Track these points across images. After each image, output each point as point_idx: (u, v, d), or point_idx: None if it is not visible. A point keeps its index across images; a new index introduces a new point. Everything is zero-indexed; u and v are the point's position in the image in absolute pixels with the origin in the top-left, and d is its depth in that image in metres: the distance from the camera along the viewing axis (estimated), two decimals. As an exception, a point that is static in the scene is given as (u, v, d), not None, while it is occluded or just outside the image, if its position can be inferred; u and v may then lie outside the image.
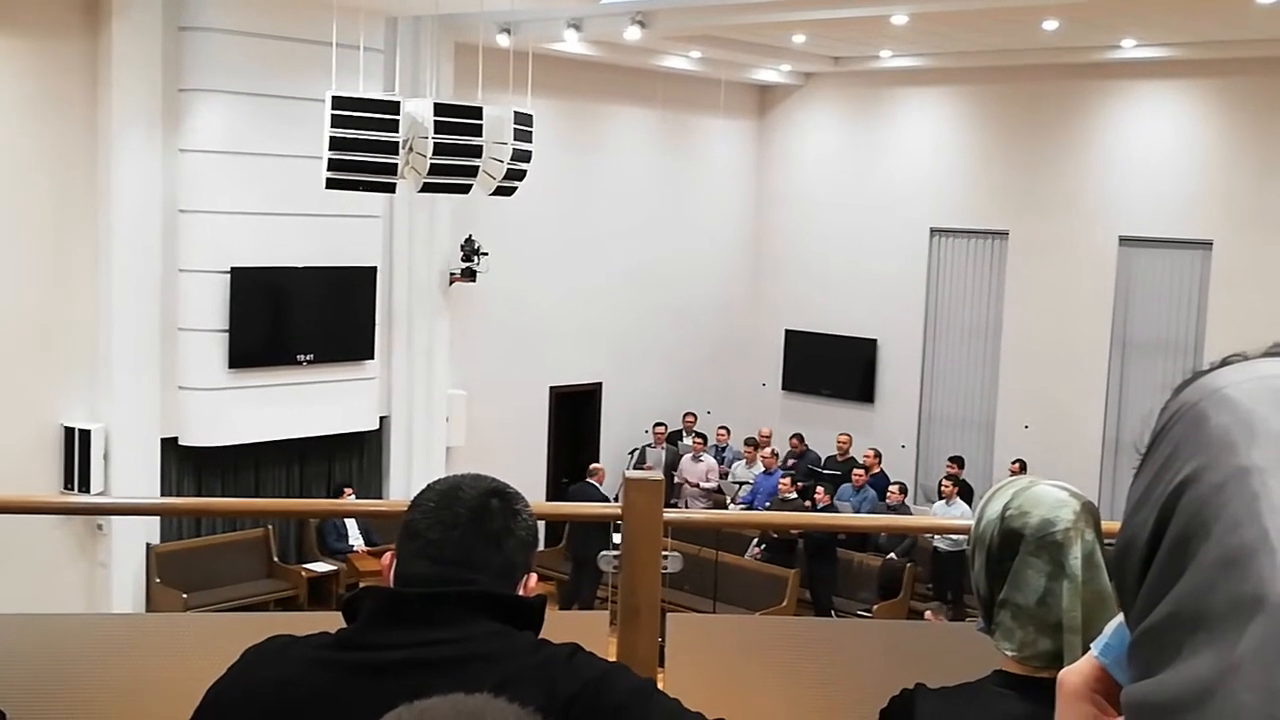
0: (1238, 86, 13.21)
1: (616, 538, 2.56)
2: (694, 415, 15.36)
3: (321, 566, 12.18)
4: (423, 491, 1.68)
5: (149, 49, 10.86)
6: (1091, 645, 0.85)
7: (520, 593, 1.66)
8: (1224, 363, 0.78)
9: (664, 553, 2.64)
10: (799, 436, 14.93)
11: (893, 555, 12.52)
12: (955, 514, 12.14)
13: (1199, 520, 0.71)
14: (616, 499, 3.17)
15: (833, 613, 12.11)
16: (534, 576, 1.70)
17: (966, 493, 13.07)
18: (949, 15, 11.09)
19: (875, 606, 12.16)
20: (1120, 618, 0.82)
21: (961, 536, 11.58)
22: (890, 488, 13.19)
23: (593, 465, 12.99)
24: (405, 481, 12.85)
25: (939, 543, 12.35)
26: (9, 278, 10.53)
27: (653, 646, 2.64)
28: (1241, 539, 0.68)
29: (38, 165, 10.62)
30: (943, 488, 13.05)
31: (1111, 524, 1.62)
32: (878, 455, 14.18)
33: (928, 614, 11.41)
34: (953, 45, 13.83)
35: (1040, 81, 14.27)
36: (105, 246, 10.87)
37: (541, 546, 2.12)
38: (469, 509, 1.63)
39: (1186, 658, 0.68)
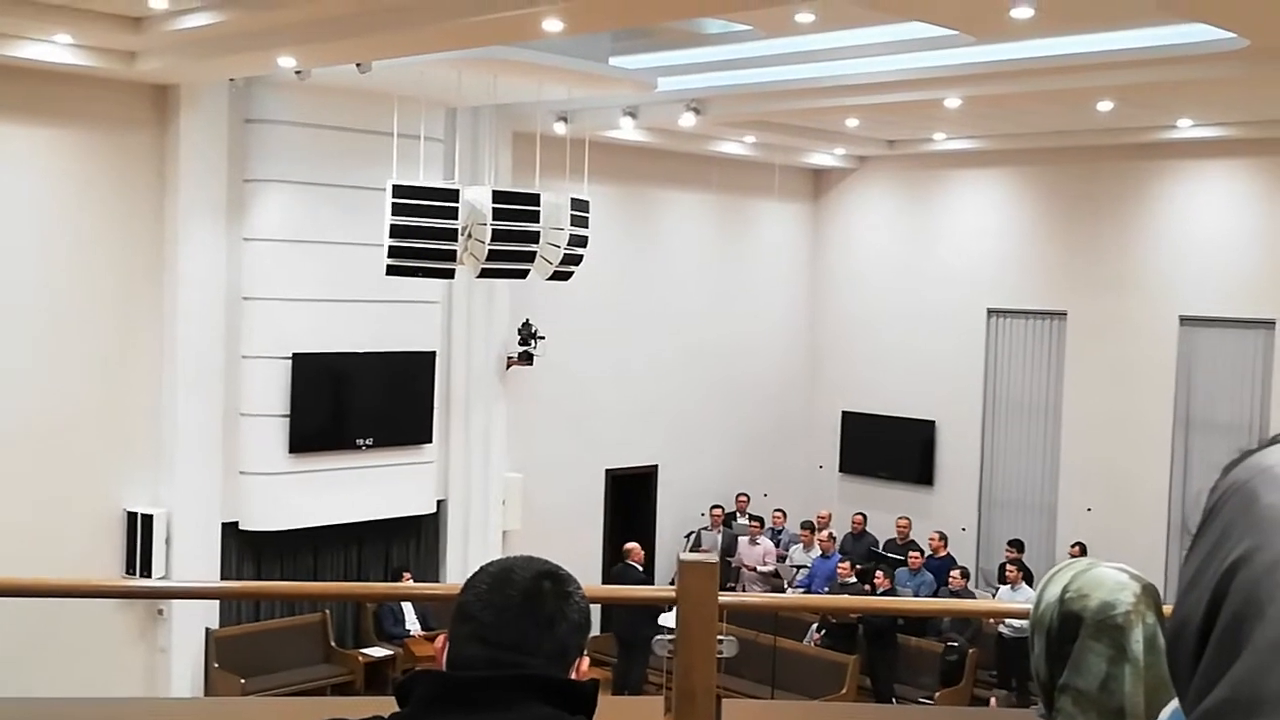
0: (1297, 165, 13.11)
1: (665, 619, 2.55)
2: (747, 496, 15.26)
3: (378, 651, 12.16)
4: (475, 574, 1.68)
5: (215, 141, 11.14)
6: (1148, 730, 0.84)
7: (573, 676, 1.65)
8: (1273, 441, 0.78)
9: (719, 637, 2.62)
10: (862, 515, 14.78)
11: (954, 643, 12.28)
12: (1020, 599, 11.92)
13: (1253, 601, 0.70)
14: (671, 582, 3.15)
15: (894, 700, 11.89)
16: (586, 660, 1.69)
17: (1028, 577, 12.84)
18: (1002, 98, 11.12)
19: (937, 694, 11.93)
20: (1175, 702, 0.81)
21: (1025, 622, 11.39)
22: (952, 573, 12.98)
23: (627, 545, 12.89)
24: (462, 565, 12.83)
25: (1003, 629, 12.11)
26: (75, 363, 10.74)
27: (708, 733, 2.60)
28: (1296, 620, 0.67)
29: (105, 253, 10.87)
30: (1007, 573, 12.83)
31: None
32: (944, 538, 13.97)
33: (992, 701, 11.18)
34: (1006, 127, 13.86)
35: (1096, 162, 14.24)
36: (170, 333, 11.07)
37: (595, 631, 2.11)
38: (521, 591, 1.63)
39: (1244, 742, 0.66)
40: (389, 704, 1.70)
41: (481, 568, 1.70)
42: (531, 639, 1.61)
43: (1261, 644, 0.68)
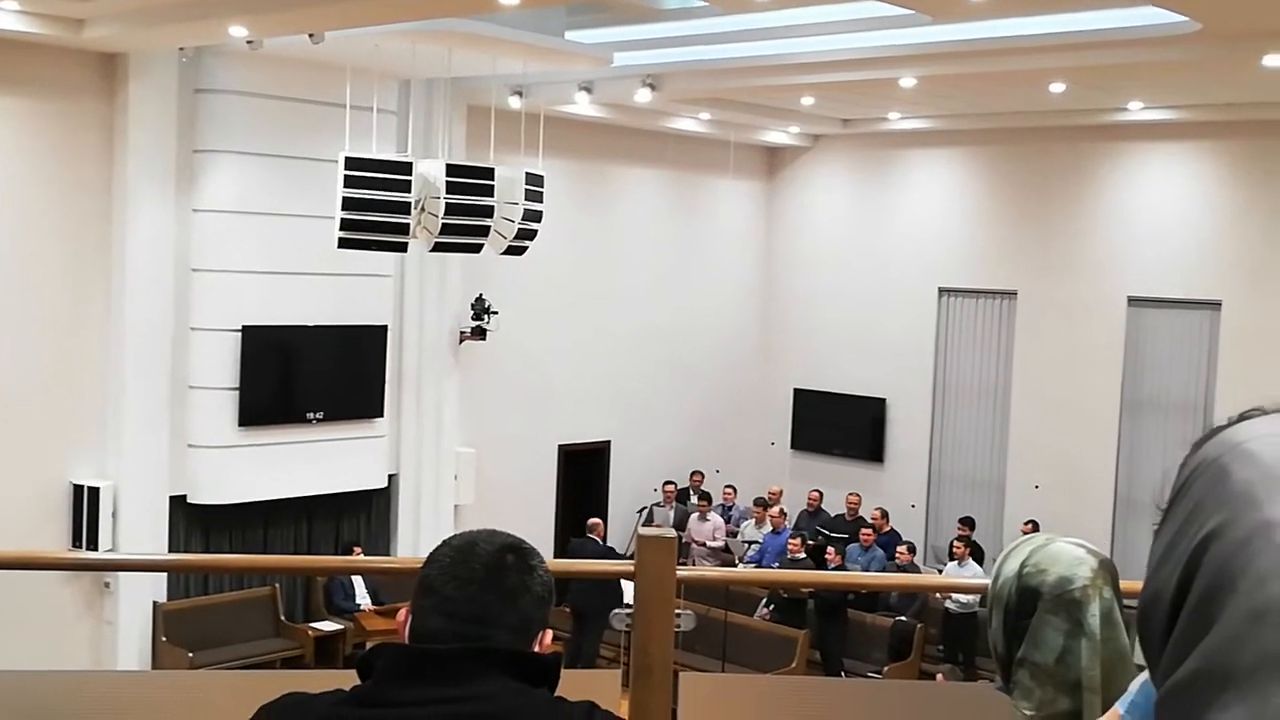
0: (1245, 148, 13.28)
1: (627, 594, 2.56)
2: (701, 474, 15.31)
3: (328, 626, 12.10)
4: (439, 547, 1.68)
5: (165, 111, 10.98)
6: (1117, 703, 0.84)
7: (535, 649, 1.65)
8: (1242, 417, 0.78)
9: (677, 611, 2.63)
10: (818, 492, 14.88)
11: (903, 618, 12.43)
12: (967, 575, 12.06)
13: (1225, 575, 0.71)
14: (629, 555, 3.16)
15: (843, 674, 12.00)
16: (549, 633, 1.69)
17: (977, 553, 13.00)
18: (957, 78, 11.17)
19: (886, 668, 12.05)
20: (1145, 675, 0.82)
21: (972, 598, 11.50)
22: (899, 548, 13.12)
23: (591, 520, 12.92)
24: (413, 540, 12.80)
25: (950, 604, 12.26)
26: (21, 334, 10.58)
27: (665, 706, 2.62)
28: (1269, 593, 0.68)
29: (53, 223, 10.71)
30: (954, 549, 12.98)
31: (1130, 583, 1.62)
32: (885, 515, 14.12)
33: (939, 676, 11.30)
34: (960, 107, 13.93)
35: (1048, 143, 14.35)
36: (118, 304, 10.93)
37: (555, 604, 2.10)
38: (484, 565, 1.63)
39: (1215, 715, 0.67)
40: (342, 677, 1.69)
41: (444, 541, 1.69)
42: (494, 612, 1.61)
43: (1233, 617, 0.69)
